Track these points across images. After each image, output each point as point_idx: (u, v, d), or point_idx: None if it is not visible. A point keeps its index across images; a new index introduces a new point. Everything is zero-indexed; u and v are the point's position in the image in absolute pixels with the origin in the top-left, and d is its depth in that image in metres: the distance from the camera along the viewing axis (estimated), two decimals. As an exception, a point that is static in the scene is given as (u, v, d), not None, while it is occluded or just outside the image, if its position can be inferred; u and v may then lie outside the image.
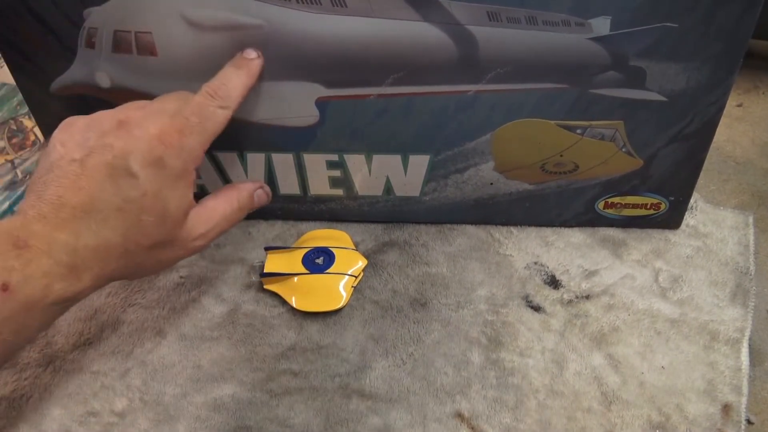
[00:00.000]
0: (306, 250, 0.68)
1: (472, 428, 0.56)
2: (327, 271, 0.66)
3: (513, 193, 0.68)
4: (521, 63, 0.58)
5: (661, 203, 0.68)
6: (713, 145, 0.79)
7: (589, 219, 0.71)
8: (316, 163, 0.67)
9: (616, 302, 0.64)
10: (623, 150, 0.64)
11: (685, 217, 0.71)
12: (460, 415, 0.56)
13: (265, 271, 0.67)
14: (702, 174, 0.77)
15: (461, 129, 0.63)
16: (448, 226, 0.72)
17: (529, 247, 0.69)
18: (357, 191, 0.69)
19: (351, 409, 0.57)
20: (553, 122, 0.62)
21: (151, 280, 0.68)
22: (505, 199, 0.69)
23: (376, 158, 0.66)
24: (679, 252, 0.68)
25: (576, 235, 0.70)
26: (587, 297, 0.65)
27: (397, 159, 0.66)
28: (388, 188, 0.69)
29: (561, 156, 0.64)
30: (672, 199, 0.68)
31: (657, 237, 0.70)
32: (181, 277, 0.68)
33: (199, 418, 0.57)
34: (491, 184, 0.67)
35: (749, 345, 0.60)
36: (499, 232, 0.71)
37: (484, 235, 0.71)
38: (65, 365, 0.61)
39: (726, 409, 0.56)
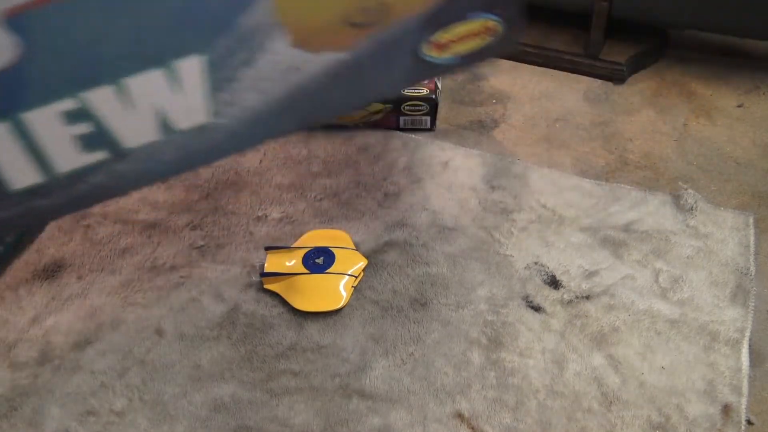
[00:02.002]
0: (306, 250, 0.68)
1: (472, 428, 0.56)
2: (327, 271, 0.66)
3: (328, 72, 0.53)
4: None
5: (494, 24, 0.57)
6: (713, 145, 0.79)
7: (421, 72, 0.58)
8: (48, 121, 0.45)
9: (617, 303, 0.64)
10: None
11: (685, 218, 0.71)
12: (460, 415, 0.56)
13: (265, 270, 0.67)
14: (702, 174, 0.77)
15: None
16: (448, 227, 0.72)
17: (530, 247, 0.69)
18: (124, 144, 0.49)
19: (351, 409, 0.57)
20: None
21: (151, 279, 0.68)
22: (321, 83, 0.53)
23: (132, 83, 0.46)
24: (679, 252, 0.68)
25: (576, 236, 0.70)
26: (587, 297, 0.65)
27: (159, 75, 0.46)
28: (165, 123, 0.49)
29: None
30: (504, 14, 0.57)
31: (657, 237, 0.70)
32: (181, 277, 0.68)
33: (199, 418, 0.57)
34: (297, 69, 0.51)
35: (749, 345, 0.60)
36: (499, 233, 0.71)
37: (484, 235, 0.71)
38: (64, 364, 0.61)
39: (726, 409, 0.56)
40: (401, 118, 0.83)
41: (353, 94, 0.57)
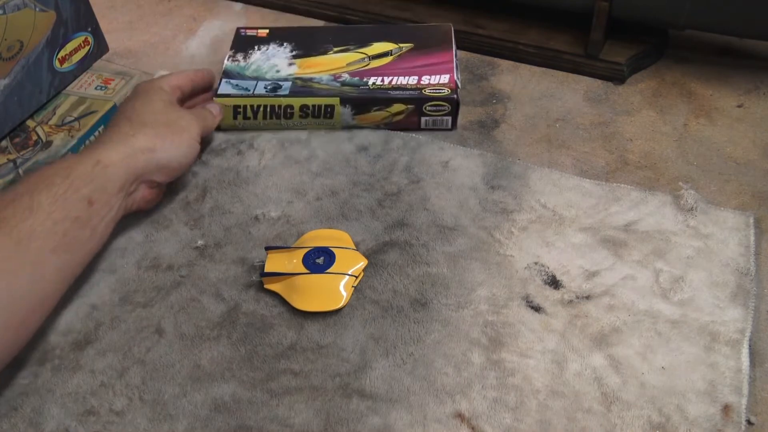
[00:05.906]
0: (306, 250, 0.68)
1: (472, 428, 0.55)
2: (327, 271, 0.66)
3: None
4: None
5: (88, 37, 0.84)
6: (713, 145, 0.79)
7: (59, 81, 0.80)
8: None
9: (617, 303, 0.64)
10: (38, 10, 0.72)
11: (686, 218, 0.71)
12: (460, 415, 0.56)
13: (265, 270, 0.67)
14: (702, 174, 0.77)
15: None
16: (448, 226, 0.72)
17: (530, 248, 0.69)
18: None
19: (351, 409, 0.57)
20: None
21: (151, 278, 0.68)
22: None
23: None
24: (679, 253, 0.68)
25: (577, 236, 0.70)
26: (588, 297, 0.65)
27: None
28: None
29: (6, 40, 0.72)
30: (90, 28, 0.83)
31: (657, 238, 0.69)
32: (181, 276, 0.68)
33: (199, 418, 0.57)
34: None
35: (749, 346, 0.60)
36: (499, 233, 0.71)
37: (484, 236, 0.71)
38: (64, 363, 0.61)
39: (726, 409, 0.56)
40: (423, 119, 0.82)
41: (17, 109, 0.77)
